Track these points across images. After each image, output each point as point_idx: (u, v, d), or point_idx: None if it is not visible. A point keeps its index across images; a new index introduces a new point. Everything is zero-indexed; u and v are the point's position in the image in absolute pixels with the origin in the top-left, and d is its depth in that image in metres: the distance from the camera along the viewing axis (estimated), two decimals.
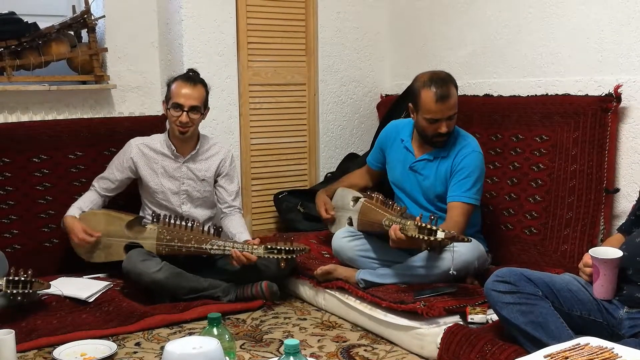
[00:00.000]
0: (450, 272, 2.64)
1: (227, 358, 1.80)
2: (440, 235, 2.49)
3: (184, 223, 3.11)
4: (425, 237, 2.53)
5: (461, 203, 2.89)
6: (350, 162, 4.01)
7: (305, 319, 3.01)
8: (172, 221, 3.12)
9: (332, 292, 3.04)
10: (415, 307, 2.60)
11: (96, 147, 3.48)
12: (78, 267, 3.21)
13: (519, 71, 3.39)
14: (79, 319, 2.83)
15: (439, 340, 2.47)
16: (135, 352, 2.64)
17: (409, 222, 2.65)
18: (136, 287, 3.04)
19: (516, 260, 3.02)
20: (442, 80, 2.90)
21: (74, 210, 3.20)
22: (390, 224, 2.76)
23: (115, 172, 3.30)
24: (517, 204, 3.16)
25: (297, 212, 3.85)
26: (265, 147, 4.00)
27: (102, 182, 3.31)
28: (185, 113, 3.15)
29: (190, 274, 3.08)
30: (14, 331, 2.44)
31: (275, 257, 3.02)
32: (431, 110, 2.89)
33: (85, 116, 3.64)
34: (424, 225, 2.55)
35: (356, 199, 3.19)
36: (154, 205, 3.29)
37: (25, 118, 3.50)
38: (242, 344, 2.70)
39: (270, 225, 4.01)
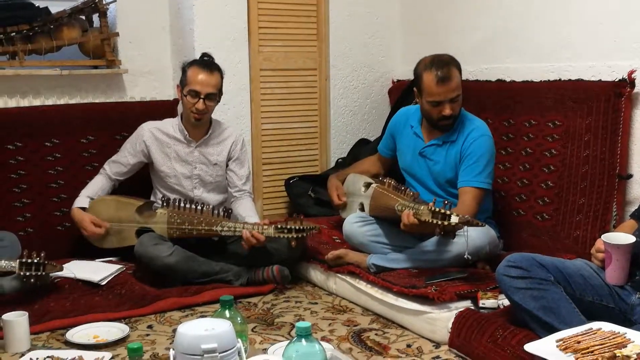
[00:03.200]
0: (465, 256, 2.63)
1: (239, 340, 1.82)
2: (454, 219, 2.48)
3: (193, 206, 3.12)
4: (439, 222, 2.52)
5: (472, 188, 2.89)
6: (362, 147, 4.01)
7: (316, 303, 3.02)
8: (182, 204, 3.13)
9: (343, 277, 3.04)
10: (426, 291, 2.60)
11: (108, 131, 3.49)
12: (91, 251, 3.22)
13: (532, 56, 3.36)
14: (91, 302, 2.84)
15: (450, 325, 2.48)
16: (147, 335, 2.66)
17: (422, 207, 2.65)
18: (148, 271, 3.05)
19: (528, 246, 3.00)
20: (444, 62, 2.88)
21: (82, 201, 3.21)
22: (403, 209, 2.76)
23: (127, 156, 3.30)
24: (529, 190, 3.15)
25: (308, 197, 3.85)
26: (276, 132, 4.00)
27: (113, 166, 3.32)
28: (202, 100, 3.15)
29: (202, 258, 3.08)
30: (27, 313, 2.51)
31: (286, 236, 3.01)
32: (433, 93, 2.88)
33: (97, 101, 3.65)
34: (437, 209, 2.55)
35: (368, 185, 3.20)
36: (165, 189, 3.29)
37: (37, 102, 3.51)
38: (254, 327, 2.71)
39: (281, 211, 4.02)
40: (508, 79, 3.42)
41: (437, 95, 2.88)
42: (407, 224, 2.69)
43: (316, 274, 3.24)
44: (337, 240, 3.32)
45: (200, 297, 2.95)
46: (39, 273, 2.75)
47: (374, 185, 3.13)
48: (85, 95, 3.65)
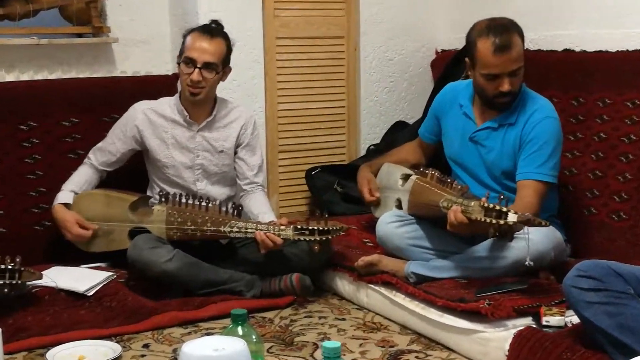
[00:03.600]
0: (526, 262, 2.60)
1: None
2: (512, 217, 2.47)
3: (197, 202, 3.13)
4: (494, 221, 2.51)
5: (534, 181, 2.88)
6: (398, 132, 4.01)
7: (344, 319, 3.02)
8: (184, 200, 3.15)
9: (377, 288, 3.05)
10: (477, 306, 2.59)
11: (94, 112, 3.51)
12: (75, 255, 3.23)
13: (607, 21, 3.33)
14: (76, 316, 2.85)
15: (507, 347, 2.45)
16: (143, 356, 2.67)
17: (472, 203, 2.65)
18: (143, 279, 3.07)
19: (601, 251, 2.98)
20: (503, 27, 2.88)
21: (65, 196, 3.23)
22: (450, 205, 2.76)
23: (116, 143, 3.33)
24: (602, 184, 3.13)
25: (334, 192, 3.87)
26: (295, 114, 4.01)
27: (99, 155, 3.34)
28: (197, 70, 3.15)
29: (208, 265, 3.10)
30: (0, 329, 2.51)
31: (307, 239, 3.03)
32: (489, 64, 2.88)
33: (81, 75, 3.66)
34: (491, 206, 2.54)
35: (406, 177, 3.20)
36: (163, 182, 3.32)
37: (10, 78, 3.54)
38: (270, 347, 2.72)
39: (300, 208, 4.04)
40: (577, 49, 3.40)
41: (494, 66, 2.87)
42: (454, 223, 2.69)
43: (344, 285, 3.24)
44: (369, 244, 3.33)
45: (205, 311, 2.96)
46: (14, 282, 2.76)
47: (413, 177, 3.13)
48: (67, 69, 3.66)
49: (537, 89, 3.11)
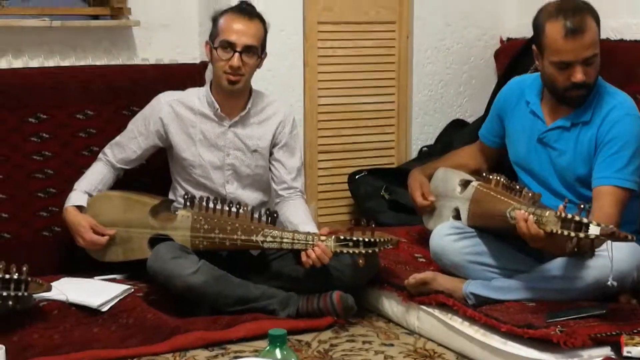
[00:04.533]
0: (609, 283, 2.56)
1: None
2: (593, 230, 2.43)
3: (226, 207, 3.14)
4: (573, 234, 2.48)
5: (612, 187, 2.84)
6: (456, 132, 4.01)
7: (391, 345, 3.00)
8: (212, 205, 3.14)
9: (430, 310, 3.02)
10: (548, 333, 2.55)
11: (112, 104, 3.52)
12: (88, 265, 3.26)
13: None
14: (88, 334, 2.87)
15: None
16: None
17: (547, 213, 2.61)
18: (165, 294, 3.08)
19: None
20: (575, 9, 2.85)
21: (78, 197, 3.26)
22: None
23: (137, 138, 3.34)
24: None
25: (381, 198, 3.87)
26: (338, 109, 4.02)
27: (117, 151, 3.36)
28: (237, 55, 3.15)
29: (238, 279, 3.11)
30: (3, 347, 2.51)
31: (351, 251, 3.02)
32: (559, 50, 2.84)
33: (97, 63, 3.71)
34: (570, 217, 2.50)
35: (466, 183, 3.18)
36: (189, 184, 3.32)
37: (18, 64, 3.58)
38: None
39: (342, 217, 4.05)
40: None
41: (564, 52, 2.84)
42: (527, 235, 2.66)
43: (392, 305, 3.23)
44: (421, 260, 3.33)
45: (235, 332, 2.95)
46: (19, 294, 2.77)
47: (474, 183, 3.11)
48: (82, 55, 3.71)
49: (617, 84, 3.07)
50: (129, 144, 3.35)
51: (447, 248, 3.05)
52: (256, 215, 3.14)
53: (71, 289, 3.04)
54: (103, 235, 3.19)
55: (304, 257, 3.04)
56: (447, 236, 3.06)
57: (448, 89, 4.19)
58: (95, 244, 3.20)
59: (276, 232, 3.08)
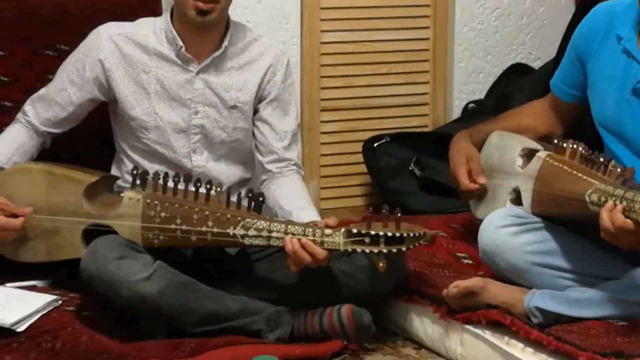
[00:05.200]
0: None
1: None
2: None
3: (192, 188, 3.13)
4: None
5: None
6: (516, 82, 4.04)
7: None
8: (171, 184, 3.13)
9: (479, 331, 3.04)
10: None
11: (33, 41, 3.56)
12: None
13: None
14: None
15: None
16: None
17: None
18: (106, 308, 3.06)
19: None
20: None
21: None
22: (603, 199, 2.73)
23: (68, 89, 3.34)
24: None
25: (409, 175, 3.91)
26: (348, 49, 4.08)
27: (41, 107, 3.37)
28: None
29: (208, 287, 3.10)
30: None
31: (367, 250, 2.99)
32: None
33: None
34: None
35: (530, 154, 3.20)
36: (139, 154, 3.35)
37: None
38: None
39: (354, 201, 4.11)
40: None
41: None
42: (611, 229, 2.66)
43: (424, 325, 3.26)
44: (467, 261, 3.40)
45: None
46: None
47: (542, 153, 3.13)
48: None
49: None
50: (57, 97, 3.36)
51: (502, 245, 3.06)
52: (234, 199, 3.14)
53: None
54: (17, 216, 3.18)
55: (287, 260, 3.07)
56: (503, 228, 3.07)
57: (504, 21, 4.21)
58: (5, 229, 3.15)
59: (262, 222, 3.07)
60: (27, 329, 2.96)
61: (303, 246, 3.01)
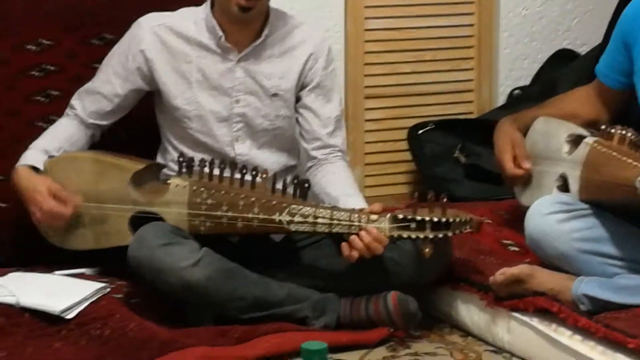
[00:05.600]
0: None
1: None
2: None
3: (238, 175, 3.17)
4: None
5: None
6: (562, 68, 4.02)
7: None
8: (217, 171, 3.18)
9: (526, 319, 3.05)
10: None
11: (78, 31, 3.57)
12: (45, 255, 3.31)
13: None
14: (48, 351, 2.89)
15: None
16: None
17: None
18: (153, 295, 3.13)
19: None
20: None
21: (33, 156, 3.29)
22: None
23: (113, 80, 3.37)
24: None
25: (454, 162, 3.92)
26: (392, 36, 4.09)
27: (88, 100, 3.39)
28: None
29: (254, 274, 3.14)
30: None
31: (413, 236, 3.03)
32: None
33: None
34: None
35: (577, 140, 3.20)
36: (183, 143, 3.37)
37: None
38: None
39: (399, 188, 4.11)
40: None
41: None
42: None
43: (470, 312, 3.28)
44: (513, 248, 3.39)
45: (251, 348, 2.98)
46: None
47: (589, 139, 3.12)
48: None
49: None
50: (103, 90, 3.38)
51: (550, 232, 3.06)
52: (279, 186, 3.17)
53: (23, 288, 3.09)
54: (67, 203, 3.21)
55: (345, 249, 3.07)
56: (550, 215, 3.07)
57: (551, 6, 4.20)
58: (57, 216, 3.20)
59: (308, 208, 3.11)
60: (76, 316, 3.02)
61: (370, 234, 3.03)
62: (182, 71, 3.34)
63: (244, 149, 3.37)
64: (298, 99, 3.42)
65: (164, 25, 3.36)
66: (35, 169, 3.27)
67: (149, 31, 3.35)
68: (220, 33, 3.30)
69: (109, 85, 3.37)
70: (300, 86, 3.40)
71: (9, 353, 2.88)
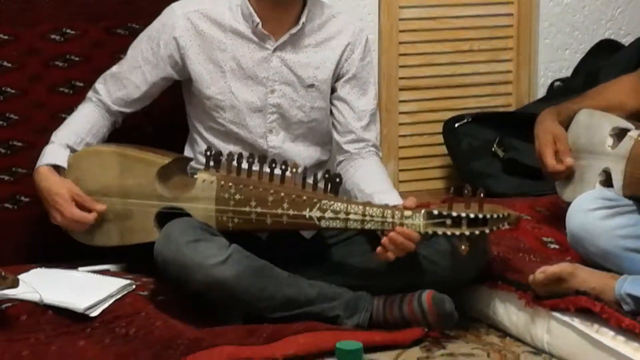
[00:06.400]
0: None
1: None
2: None
3: (267, 169, 3.15)
4: None
5: None
6: (605, 59, 3.98)
7: None
8: (246, 165, 3.16)
9: (567, 319, 3.02)
10: None
11: (104, 20, 3.58)
12: (69, 251, 3.32)
13: None
14: (71, 350, 2.88)
15: None
16: None
17: None
18: (180, 293, 3.12)
19: None
20: None
21: (55, 153, 3.29)
22: None
23: (142, 67, 3.37)
24: None
25: (492, 156, 3.88)
26: (428, 26, 4.09)
27: (113, 86, 3.39)
28: None
29: (284, 272, 3.12)
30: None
31: (449, 233, 3.00)
32: None
33: None
34: None
35: (621, 133, 3.18)
36: (214, 134, 3.37)
37: None
38: None
39: (434, 183, 4.10)
40: None
41: None
42: None
43: (509, 312, 3.24)
44: (554, 246, 3.38)
45: (281, 347, 2.97)
46: None
47: (634, 133, 3.10)
48: None
49: None
50: (130, 76, 3.38)
51: (592, 229, 3.05)
52: (310, 181, 3.15)
53: (47, 285, 3.08)
54: (90, 211, 3.21)
55: (381, 253, 3.05)
56: (593, 211, 3.06)
57: None
58: (78, 222, 3.22)
59: (339, 204, 3.09)
60: (100, 314, 3.04)
61: (399, 231, 3.02)
62: (216, 59, 3.33)
63: (277, 142, 3.36)
64: (333, 90, 3.42)
65: (198, 12, 3.35)
66: (57, 167, 3.27)
67: (182, 17, 3.34)
68: (257, 20, 3.30)
69: (137, 71, 3.38)
70: (336, 77, 3.40)
71: (32, 352, 2.87)
